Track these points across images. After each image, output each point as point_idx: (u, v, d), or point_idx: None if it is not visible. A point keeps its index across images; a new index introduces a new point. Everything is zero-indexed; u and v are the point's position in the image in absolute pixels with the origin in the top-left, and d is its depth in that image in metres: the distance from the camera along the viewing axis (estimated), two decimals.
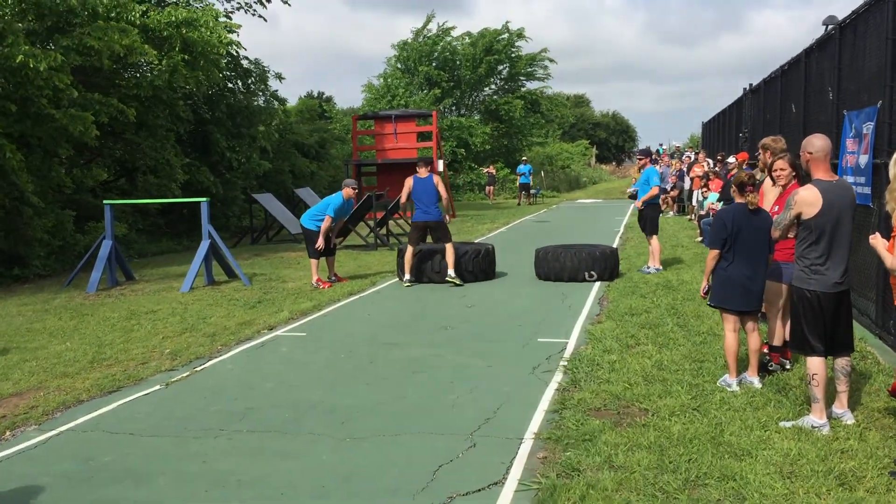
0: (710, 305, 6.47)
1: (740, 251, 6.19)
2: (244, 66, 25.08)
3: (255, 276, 13.57)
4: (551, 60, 41.31)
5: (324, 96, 55.40)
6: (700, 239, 16.43)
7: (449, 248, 11.87)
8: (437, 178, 11.95)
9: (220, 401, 6.29)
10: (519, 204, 32.77)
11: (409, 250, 12.03)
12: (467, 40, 39.74)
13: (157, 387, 6.73)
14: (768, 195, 6.68)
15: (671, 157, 31.47)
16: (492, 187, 33.38)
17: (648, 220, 12.62)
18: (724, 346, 6.37)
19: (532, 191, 34.65)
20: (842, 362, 5.53)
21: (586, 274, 11.82)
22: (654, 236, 12.63)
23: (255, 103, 25.81)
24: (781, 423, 5.44)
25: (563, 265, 11.92)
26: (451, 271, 11.83)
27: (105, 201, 12.92)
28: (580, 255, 11.89)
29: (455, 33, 39.44)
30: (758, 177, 7.21)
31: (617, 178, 60.96)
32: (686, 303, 9.85)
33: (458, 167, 38.73)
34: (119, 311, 10.40)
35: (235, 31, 24.92)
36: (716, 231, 6.29)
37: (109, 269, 12.85)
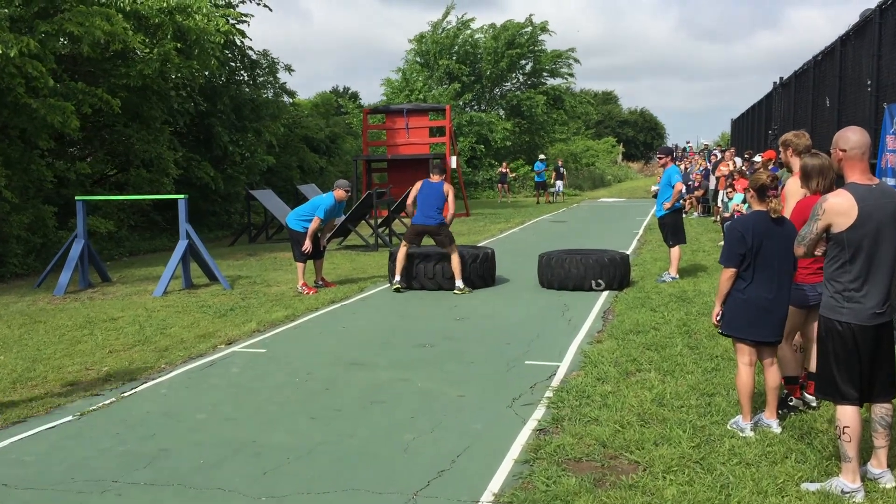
0: (721, 334, 5.39)
1: (761, 269, 5.10)
2: (252, 57, 24.25)
3: (240, 278, 12.65)
4: (576, 60, 40.07)
5: (349, 92, 54.47)
6: (723, 243, 15.27)
7: (455, 258, 10.88)
8: (448, 187, 11.01)
9: (133, 438, 5.32)
10: (538, 202, 31.74)
11: (402, 250, 11.04)
12: (490, 33, 38.64)
13: (69, 418, 5.78)
14: (790, 200, 5.58)
15: (698, 154, 30.19)
16: (504, 185, 32.23)
17: (670, 228, 11.46)
18: (737, 382, 5.29)
19: (552, 189, 33.54)
20: (881, 410, 4.44)
21: (593, 283, 10.75)
22: (678, 246, 11.51)
23: (265, 96, 24.96)
24: (804, 486, 4.37)
25: (567, 272, 10.84)
26: (458, 283, 10.84)
27: (77, 197, 12.05)
28: (587, 261, 10.82)
29: (475, 25, 38.37)
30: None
31: (643, 177, 59.62)
32: (700, 318, 8.76)
33: (477, 164, 37.67)
34: (76, 319, 9.49)
35: (246, 21, 24.11)
36: (731, 245, 5.19)
37: (81, 270, 11.98)
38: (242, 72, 23.56)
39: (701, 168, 23.90)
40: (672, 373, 6.61)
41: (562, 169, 33.53)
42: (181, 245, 11.73)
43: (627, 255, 11.38)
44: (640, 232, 19.09)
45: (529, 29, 38.24)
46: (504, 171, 32.23)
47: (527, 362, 7.14)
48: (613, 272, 10.83)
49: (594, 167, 48.74)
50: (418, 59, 38.52)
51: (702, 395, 5.99)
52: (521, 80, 40.27)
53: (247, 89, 23.81)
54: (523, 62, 39.32)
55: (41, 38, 13.49)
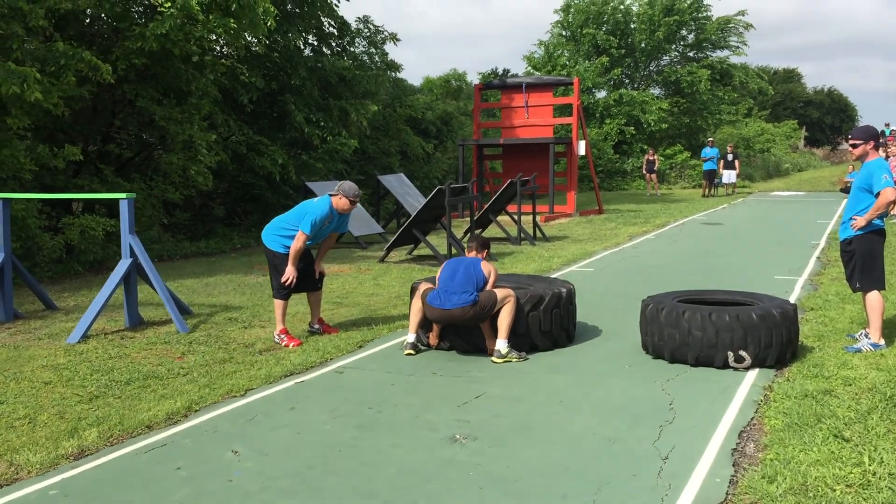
0: None
1: None
2: (352, 26, 20.69)
3: (226, 310, 9.01)
4: (748, 26, 34.14)
5: (506, 73, 50.16)
6: None
7: (508, 306, 6.72)
8: (488, 268, 6.91)
9: None
10: (704, 195, 26.79)
11: (418, 300, 7.01)
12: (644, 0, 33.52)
13: None
14: None
15: None
16: (652, 175, 27.24)
17: (860, 259, 6.76)
18: None
19: (714, 180, 28.25)
20: None
21: (729, 356, 6.27)
22: (876, 292, 6.78)
23: (370, 70, 21.37)
24: None
25: (685, 335, 6.41)
26: (500, 343, 6.69)
27: (0, 195, 8.79)
28: (721, 319, 6.33)
29: None
30: None
31: (830, 165, 52.09)
32: None
33: (626, 149, 32.76)
34: None
35: None
36: None
37: (1, 296, 8.70)
38: (332, 41, 20.06)
39: None
40: None
41: (730, 156, 27.96)
42: (122, 265, 8.19)
43: (793, 308, 6.72)
44: (822, 243, 14.01)
45: None
46: (651, 158, 27.26)
47: None
48: (768, 337, 6.30)
49: (769, 154, 42.25)
50: (563, 33, 34.02)
51: None
52: (681, 52, 34.84)
53: (348, 61, 20.29)
54: (684, 32, 33.91)
55: None
